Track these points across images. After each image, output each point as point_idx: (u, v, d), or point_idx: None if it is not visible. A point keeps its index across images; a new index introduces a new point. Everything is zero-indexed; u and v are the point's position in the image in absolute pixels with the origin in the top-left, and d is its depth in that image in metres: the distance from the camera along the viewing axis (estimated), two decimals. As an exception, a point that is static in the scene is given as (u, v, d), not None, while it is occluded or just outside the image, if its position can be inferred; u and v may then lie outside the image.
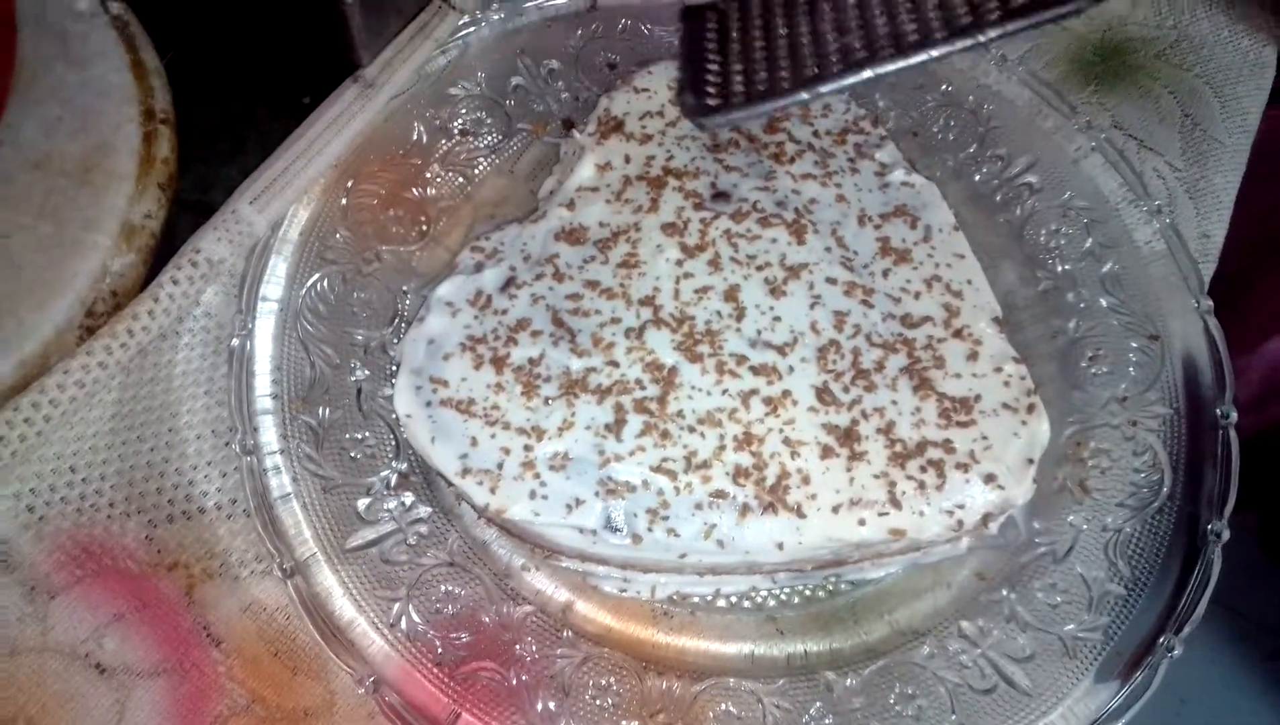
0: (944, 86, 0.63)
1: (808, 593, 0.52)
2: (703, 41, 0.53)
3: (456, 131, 0.60)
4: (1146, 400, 0.54)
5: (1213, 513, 0.51)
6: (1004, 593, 0.51)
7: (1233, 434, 0.52)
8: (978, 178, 0.62)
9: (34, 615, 0.49)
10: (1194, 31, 0.71)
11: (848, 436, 0.48)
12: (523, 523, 0.47)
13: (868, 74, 0.47)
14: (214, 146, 0.62)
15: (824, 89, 0.48)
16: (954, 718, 0.47)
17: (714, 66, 0.51)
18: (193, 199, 0.59)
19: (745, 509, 0.47)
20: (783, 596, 0.52)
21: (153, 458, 0.53)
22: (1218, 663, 0.62)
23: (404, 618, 0.48)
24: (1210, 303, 0.56)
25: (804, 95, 0.48)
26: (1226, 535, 0.50)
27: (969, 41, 0.46)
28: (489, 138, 0.61)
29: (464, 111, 0.61)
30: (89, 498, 0.51)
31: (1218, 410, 0.53)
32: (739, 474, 0.48)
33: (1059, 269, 0.59)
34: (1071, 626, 0.49)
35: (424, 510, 0.51)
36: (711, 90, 0.50)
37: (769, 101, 0.49)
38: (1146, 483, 0.53)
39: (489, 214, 0.59)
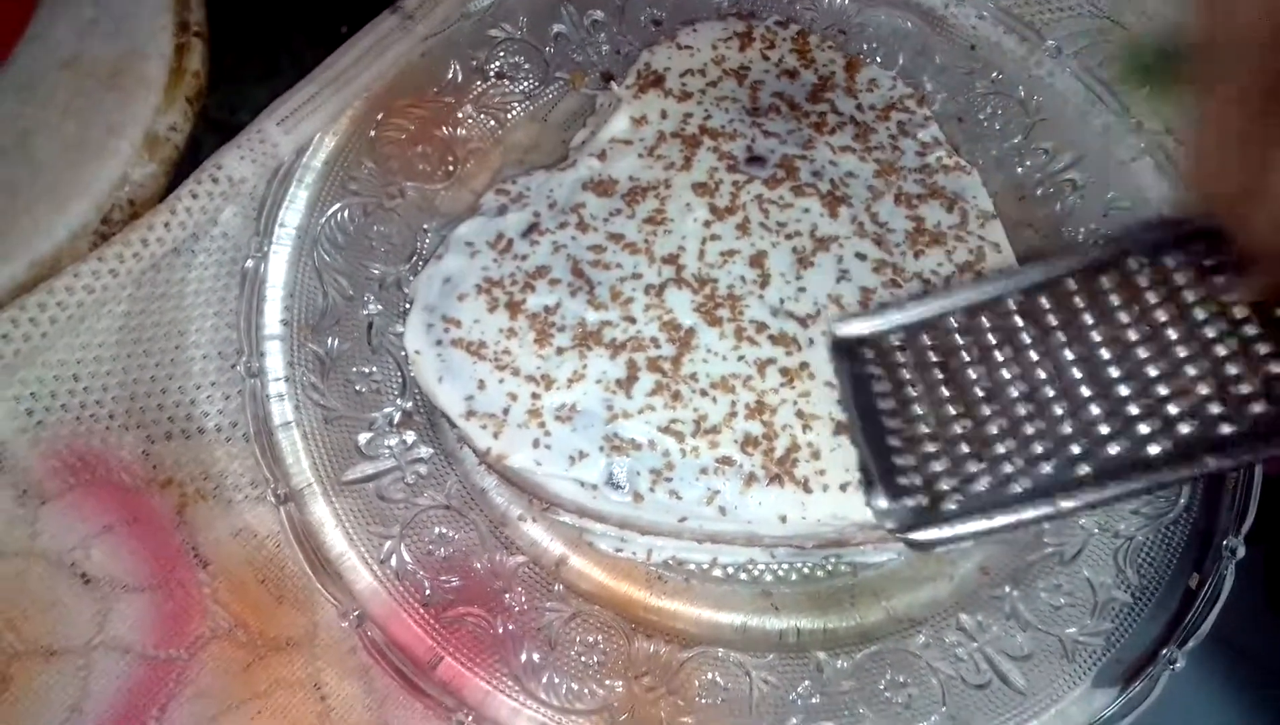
0: (995, 74, 0.62)
1: (806, 570, 0.51)
2: (872, 399, 0.44)
3: (493, 74, 0.59)
4: (1172, 409, 0.53)
5: (1230, 529, 0.49)
6: (1007, 589, 0.49)
7: (1258, 451, 0.51)
8: (1020, 170, 0.60)
9: (23, 519, 0.48)
10: (1255, 44, 0.69)
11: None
12: (523, 471, 0.46)
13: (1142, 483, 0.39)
14: (246, 68, 0.61)
15: (1066, 505, 0.40)
16: (944, 709, 0.46)
17: (897, 443, 0.43)
18: (220, 118, 0.58)
19: (751, 478, 0.46)
20: (780, 572, 0.51)
21: (156, 373, 0.52)
22: (1212, 694, 0.60)
23: (394, 556, 0.47)
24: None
25: (1044, 510, 0.40)
26: (1242, 552, 0.49)
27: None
28: (525, 83, 0.60)
29: (502, 54, 0.59)
30: (89, 408, 0.51)
31: (1244, 426, 0.52)
32: (748, 443, 0.47)
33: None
34: (1073, 629, 0.48)
35: (425, 451, 0.50)
36: (907, 488, 0.42)
37: (1001, 512, 0.40)
38: (1164, 493, 0.51)
39: (518, 160, 0.58)
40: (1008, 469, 0.41)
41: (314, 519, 0.47)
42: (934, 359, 0.45)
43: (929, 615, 0.49)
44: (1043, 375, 0.42)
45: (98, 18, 0.53)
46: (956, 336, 0.45)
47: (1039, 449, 0.41)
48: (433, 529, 0.48)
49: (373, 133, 0.56)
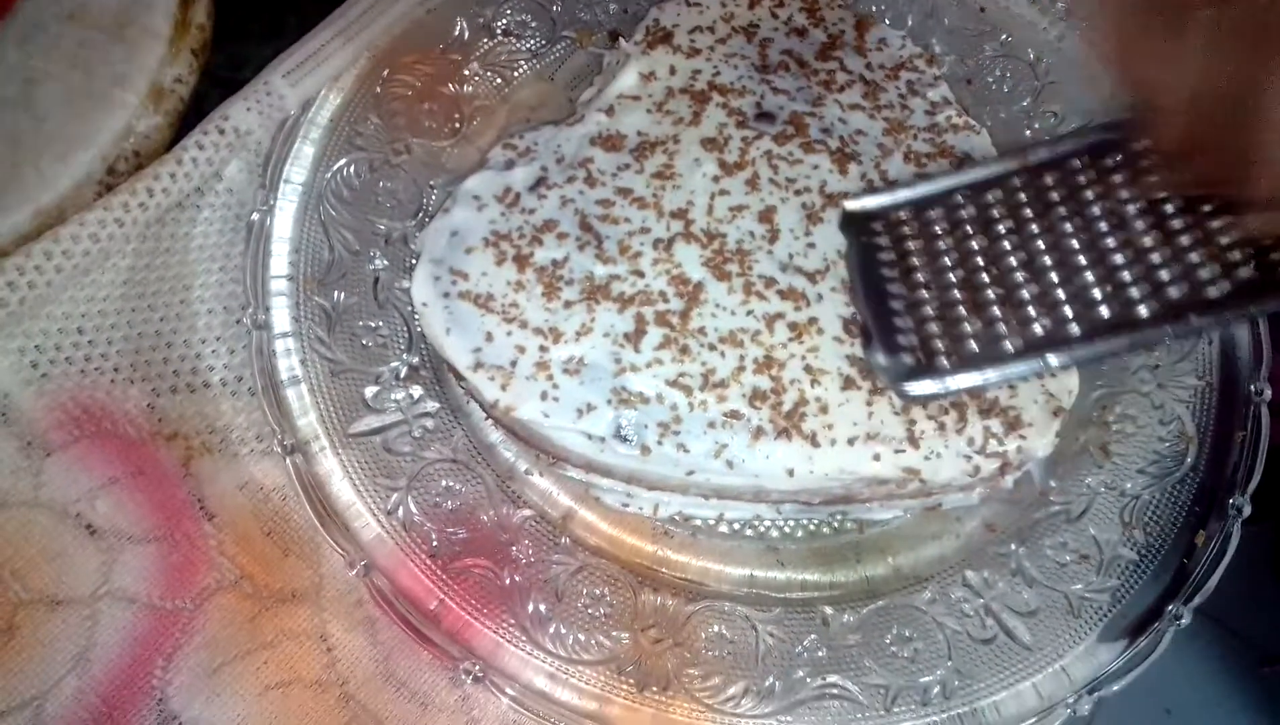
0: (1004, 36, 0.61)
1: (812, 527, 0.51)
2: (877, 268, 0.46)
3: (499, 31, 0.59)
4: (1179, 370, 0.53)
5: (1236, 487, 0.49)
6: (1013, 547, 0.49)
7: (1264, 411, 0.51)
8: (1028, 133, 0.60)
9: (28, 470, 0.48)
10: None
11: (871, 370, 0.47)
12: (531, 423, 0.46)
13: (1124, 341, 0.42)
14: (251, 24, 0.61)
15: (1059, 359, 0.42)
16: (950, 664, 0.46)
17: (898, 306, 0.45)
18: (225, 75, 0.58)
19: (759, 432, 0.46)
20: (786, 528, 0.51)
21: (161, 327, 0.52)
22: (1203, 674, 0.61)
23: (401, 507, 0.47)
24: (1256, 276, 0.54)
25: (1034, 365, 0.43)
26: (1248, 511, 0.49)
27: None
28: (532, 41, 0.59)
29: (509, 12, 0.59)
30: (94, 360, 0.50)
31: (1251, 386, 0.52)
32: (756, 397, 0.46)
33: (1102, 231, 0.57)
34: (1079, 586, 0.48)
35: (431, 405, 0.50)
36: (904, 346, 0.44)
37: (993, 367, 0.43)
38: (1170, 452, 0.51)
39: (524, 117, 0.58)
40: (1000, 329, 0.44)
41: (321, 471, 0.47)
42: (938, 231, 0.48)
43: (935, 572, 0.49)
44: (1041, 246, 0.45)
45: (102, -32, 0.53)
46: (961, 211, 0.48)
47: (1032, 311, 0.44)
48: (439, 482, 0.48)
49: (379, 89, 0.55)
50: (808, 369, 0.47)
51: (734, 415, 0.46)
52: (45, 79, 0.50)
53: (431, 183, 0.55)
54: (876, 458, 0.46)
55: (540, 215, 0.50)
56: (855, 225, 0.49)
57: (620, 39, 0.58)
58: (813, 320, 0.48)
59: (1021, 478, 0.50)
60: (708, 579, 0.49)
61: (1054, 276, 0.44)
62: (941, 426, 0.46)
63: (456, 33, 0.58)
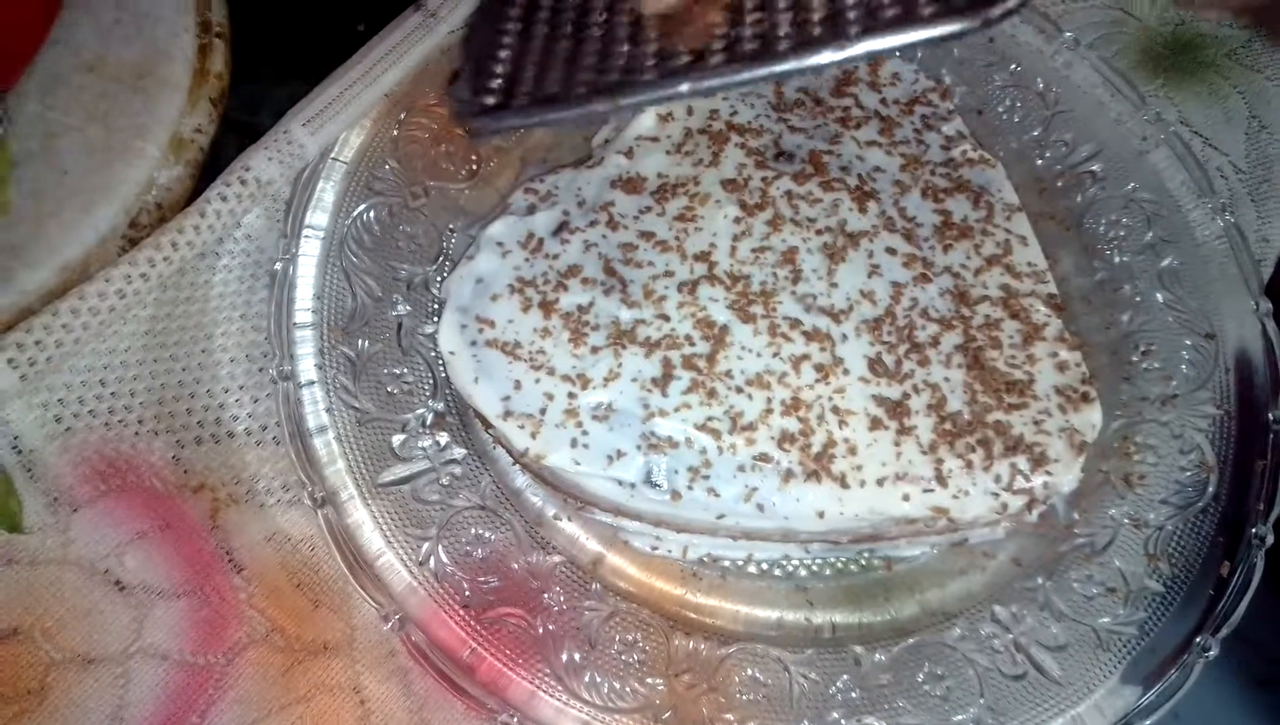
0: (1013, 66, 0.62)
1: (840, 565, 0.51)
2: (498, 25, 0.44)
3: (514, 71, 0.59)
4: (1197, 399, 0.53)
5: (1258, 516, 0.50)
6: (1039, 581, 0.50)
7: (1285, 439, 0.51)
8: (1040, 162, 0.61)
9: (55, 527, 0.48)
10: (1266, 34, 0.69)
11: (897, 409, 0.47)
12: (561, 471, 0.46)
13: (684, 87, 0.38)
14: (265, 67, 0.61)
15: (626, 101, 0.39)
16: (982, 701, 0.47)
17: (505, 54, 0.43)
18: (241, 119, 0.58)
19: (788, 474, 0.46)
20: (814, 567, 0.51)
21: (184, 378, 0.52)
22: (1212, 683, 0.61)
23: (433, 557, 0.47)
24: (1269, 305, 0.55)
25: (600, 106, 0.39)
26: (1270, 540, 0.49)
27: (829, 55, 0.37)
28: (546, 80, 0.59)
29: (522, 52, 0.59)
30: (118, 413, 0.50)
31: (1270, 414, 0.52)
32: (784, 439, 0.47)
33: (1116, 260, 0.57)
34: (1106, 619, 0.49)
35: (459, 452, 0.50)
36: (494, 86, 0.42)
37: (557, 109, 0.40)
38: (1192, 482, 0.52)
39: (540, 158, 0.58)
40: (582, 71, 0.41)
41: (351, 522, 0.47)
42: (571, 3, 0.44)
43: (963, 608, 0.50)
44: None
45: (120, 20, 0.53)
46: None
47: (616, 52, 0.41)
48: (469, 530, 0.48)
49: (396, 132, 0.55)
50: (835, 410, 0.47)
51: (763, 458, 0.46)
52: (66, 131, 0.50)
53: (451, 226, 0.55)
54: (906, 498, 0.46)
55: (564, 260, 0.50)
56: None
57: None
58: (838, 360, 0.48)
59: (1046, 511, 0.50)
60: (739, 622, 0.49)
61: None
62: (969, 464, 0.47)
63: (471, 75, 0.58)
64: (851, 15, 0.37)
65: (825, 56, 0.37)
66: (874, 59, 0.58)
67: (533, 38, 0.43)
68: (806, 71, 0.38)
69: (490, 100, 0.41)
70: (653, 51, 0.40)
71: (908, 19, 0.36)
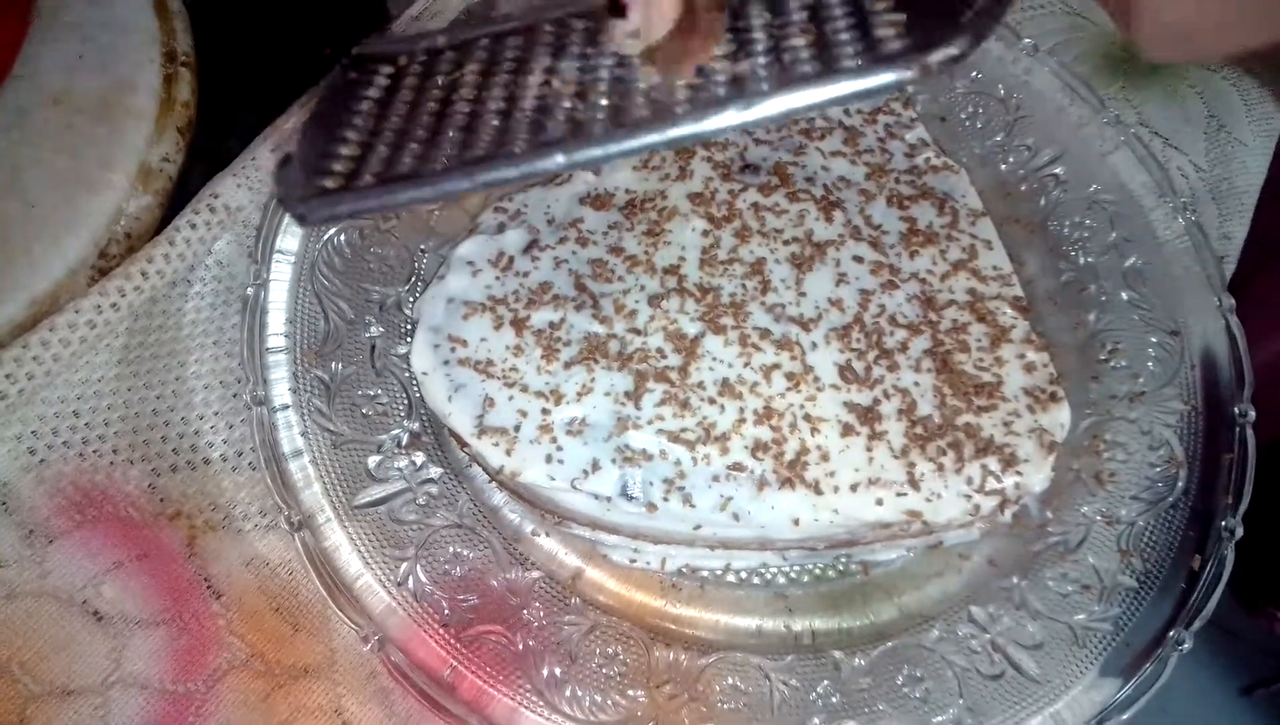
0: (974, 74, 0.63)
1: (818, 571, 0.51)
2: (348, 105, 0.40)
3: (480, 92, 0.59)
4: (1164, 395, 0.54)
5: (1227, 509, 0.51)
6: (1015, 580, 0.50)
7: (1249, 432, 0.52)
8: (1004, 167, 0.61)
9: (31, 559, 0.48)
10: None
11: (868, 415, 0.48)
12: (537, 487, 0.47)
13: (559, 158, 0.35)
14: (232, 94, 0.61)
15: (487, 176, 0.36)
16: (961, 702, 0.47)
17: (352, 135, 0.39)
18: (208, 146, 0.58)
19: (763, 483, 0.47)
20: (792, 574, 0.51)
21: (158, 406, 0.52)
22: (1191, 696, 0.61)
23: (411, 577, 0.47)
24: (1232, 301, 0.56)
25: (458, 184, 0.36)
26: (1240, 532, 0.50)
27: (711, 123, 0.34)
28: (513, 100, 0.60)
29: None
30: (92, 443, 0.50)
31: (1235, 408, 0.53)
32: (758, 448, 0.47)
33: (1081, 261, 0.58)
34: (1082, 616, 0.49)
35: (435, 471, 0.50)
36: (335, 168, 0.37)
37: (406, 189, 0.36)
38: (1161, 477, 0.52)
39: (510, 177, 0.58)
40: (441, 147, 0.38)
41: (328, 545, 0.47)
42: (441, 72, 0.42)
43: (941, 610, 0.50)
44: (531, 80, 0.39)
45: (84, 52, 0.53)
46: (475, 55, 0.42)
47: (485, 126, 0.38)
48: (447, 548, 0.49)
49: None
50: (807, 418, 0.48)
51: (737, 467, 0.47)
52: (32, 165, 0.51)
53: (422, 247, 0.55)
54: (879, 502, 0.47)
55: (535, 278, 0.50)
56: (356, 67, 0.43)
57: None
58: (809, 368, 0.49)
59: (1019, 510, 0.51)
60: (718, 631, 0.49)
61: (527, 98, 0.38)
62: (941, 467, 0.47)
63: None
64: (762, 71, 0.35)
65: (728, 118, 0.34)
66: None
67: (388, 117, 0.40)
68: (708, 136, 0.35)
69: (328, 182, 0.37)
70: (527, 123, 0.37)
71: (829, 73, 0.33)
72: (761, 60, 0.36)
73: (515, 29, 0.43)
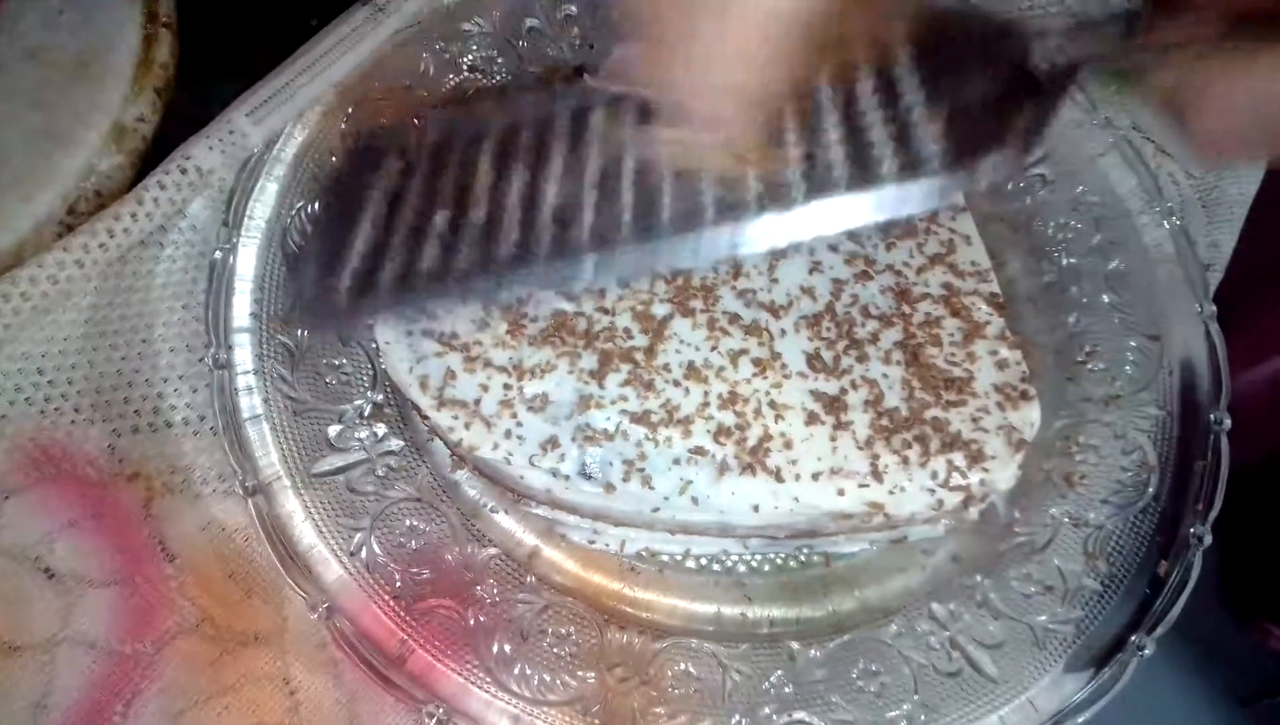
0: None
1: (779, 561, 0.51)
2: (353, 209, 0.40)
3: (465, 67, 0.59)
4: (1140, 400, 0.53)
5: (1196, 517, 0.50)
6: (978, 578, 0.50)
7: (1224, 440, 0.51)
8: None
9: (-14, 514, 0.48)
10: (1220, 43, 0.70)
11: (834, 405, 0.47)
12: (495, 462, 0.46)
13: (588, 266, 0.35)
14: (216, 62, 0.61)
15: (516, 284, 0.36)
16: (916, 698, 0.46)
17: (361, 239, 0.39)
18: (189, 113, 0.58)
19: (724, 468, 0.46)
20: (753, 563, 0.51)
21: (123, 367, 0.51)
22: (1179, 709, 0.61)
23: (365, 548, 0.47)
24: (1214, 308, 0.55)
25: (482, 288, 0.36)
26: (1208, 540, 0.49)
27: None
28: (498, 78, 0.59)
29: (475, 48, 0.59)
30: (54, 401, 0.50)
31: (1211, 415, 0.52)
32: (720, 432, 0.46)
33: (1064, 262, 0.57)
34: (1044, 618, 0.48)
35: (396, 443, 0.50)
36: (347, 273, 0.37)
37: (430, 297, 0.37)
38: (1133, 482, 0.52)
39: (490, 153, 0.58)
40: (460, 250, 0.38)
41: (283, 511, 0.47)
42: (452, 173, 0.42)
43: (901, 605, 0.49)
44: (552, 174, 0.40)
45: (64, 9, 0.53)
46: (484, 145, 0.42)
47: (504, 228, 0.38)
48: (404, 521, 0.48)
49: (344, 125, 0.55)
50: (772, 404, 0.47)
51: (699, 451, 0.46)
52: (5, 120, 0.50)
53: (397, 219, 0.55)
54: (841, 492, 0.46)
55: (504, 253, 0.50)
56: (365, 156, 0.43)
57: (585, 75, 0.58)
58: (776, 355, 0.48)
59: (986, 510, 0.50)
60: (675, 616, 0.49)
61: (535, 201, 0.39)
62: (905, 460, 0.47)
63: (422, 69, 0.58)
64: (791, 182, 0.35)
65: (762, 231, 0.35)
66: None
67: (401, 213, 0.39)
68: (739, 249, 0.35)
69: (342, 290, 0.37)
70: (550, 224, 0.37)
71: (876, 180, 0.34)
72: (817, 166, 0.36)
73: (532, 114, 0.43)
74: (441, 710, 0.44)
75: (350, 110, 0.55)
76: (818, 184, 0.35)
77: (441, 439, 0.48)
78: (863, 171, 0.35)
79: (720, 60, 0.34)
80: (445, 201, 0.40)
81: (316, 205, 0.41)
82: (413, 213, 0.40)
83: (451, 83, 0.58)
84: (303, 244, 0.39)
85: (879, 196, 0.35)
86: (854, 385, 0.48)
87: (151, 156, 0.54)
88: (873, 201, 0.35)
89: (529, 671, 0.45)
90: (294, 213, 0.53)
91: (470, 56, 0.59)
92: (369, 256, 0.38)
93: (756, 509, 0.46)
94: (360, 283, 0.37)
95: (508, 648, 0.46)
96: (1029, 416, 0.49)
